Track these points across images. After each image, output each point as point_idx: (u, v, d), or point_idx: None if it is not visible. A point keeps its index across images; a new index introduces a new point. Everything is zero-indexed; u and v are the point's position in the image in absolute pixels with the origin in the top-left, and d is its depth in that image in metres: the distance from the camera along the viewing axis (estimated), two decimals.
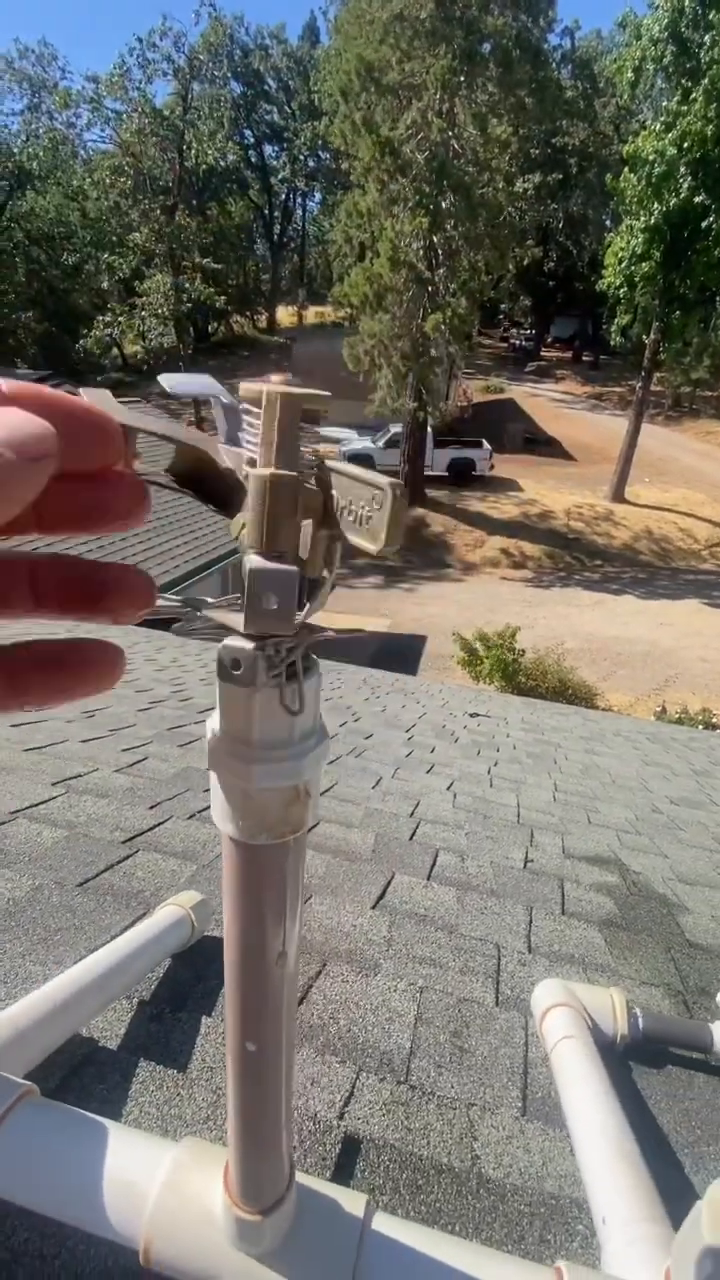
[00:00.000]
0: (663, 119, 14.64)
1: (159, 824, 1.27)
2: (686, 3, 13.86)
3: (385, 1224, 0.42)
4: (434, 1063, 0.75)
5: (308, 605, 0.24)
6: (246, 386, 0.23)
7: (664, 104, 15.08)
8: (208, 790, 1.00)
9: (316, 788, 0.27)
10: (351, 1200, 0.42)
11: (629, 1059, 0.83)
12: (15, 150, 27.07)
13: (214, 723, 0.25)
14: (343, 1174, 0.57)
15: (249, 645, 0.23)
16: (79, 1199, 0.42)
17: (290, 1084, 0.35)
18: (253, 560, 0.22)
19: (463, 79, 14.96)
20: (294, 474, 0.22)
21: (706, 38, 13.73)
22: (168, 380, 0.29)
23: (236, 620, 0.23)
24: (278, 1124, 0.36)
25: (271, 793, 0.25)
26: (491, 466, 19.35)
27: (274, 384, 0.23)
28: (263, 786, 0.24)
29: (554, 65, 20.70)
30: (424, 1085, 0.71)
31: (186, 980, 0.82)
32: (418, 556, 15.59)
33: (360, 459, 14.92)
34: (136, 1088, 0.61)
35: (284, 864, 0.27)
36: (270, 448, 0.23)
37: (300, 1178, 0.42)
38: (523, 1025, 0.85)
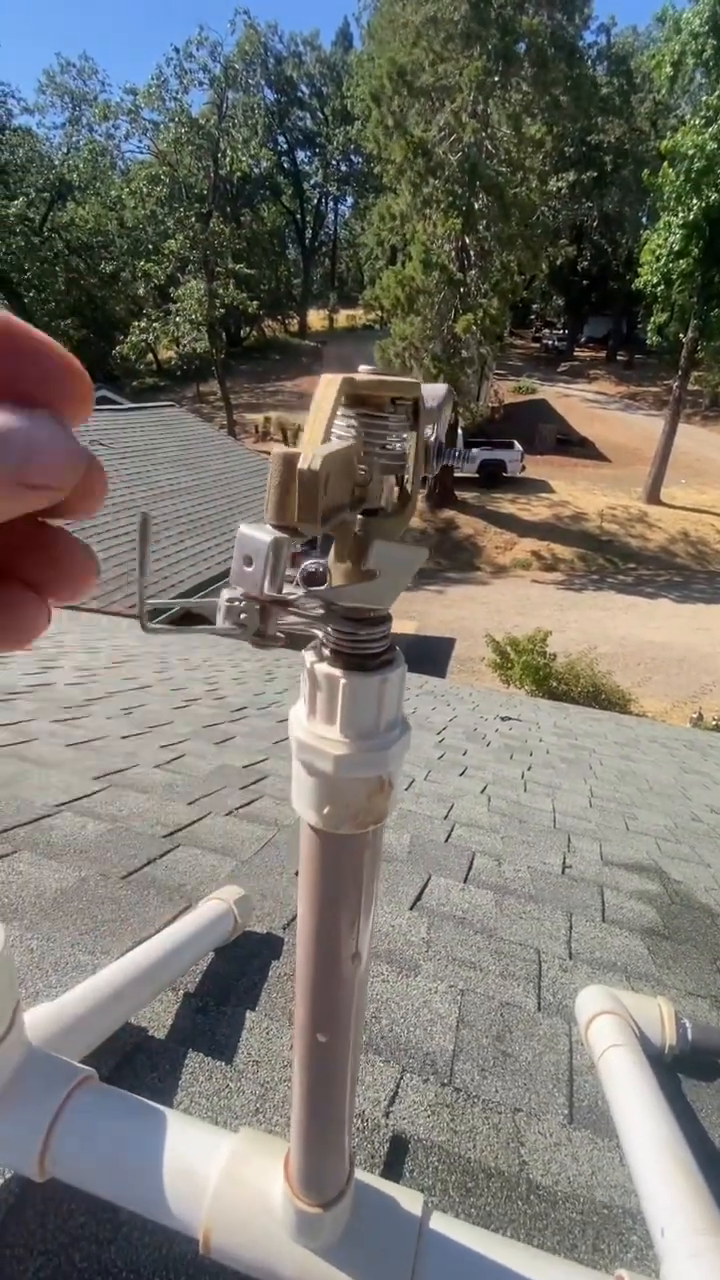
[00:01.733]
0: (703, 114, 14.32)
1: (198, 820, 1.29)
2: None
3: (443, 1224, 0.42)
4: (477, 1066, 0.75)
5: (290, 579, 0.23)
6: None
7: (704, 98, 14.76)
8: (244, 788, 1.01)
9: (399, 779, 0.27)
10: (409, 1199, 0.42)
11: (677, 1070, 0.81)
12: (57, 163, 27.86)
13: (299, 712, 0.25)
14: (392, 1172, 0.57)
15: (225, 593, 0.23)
16: (139, 1184, 0.43)
17: (356, 1079, 0.35)
18: (247, 525, 0.22)
19: (497, 79, 14.89)
20: (296, 451, 0.22)
21: None
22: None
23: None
24: (342, 1118, 0.36)
25: (357, 782, 0.25)
26: (523, 468, 19.16)
27: (358, 372, 0.24)
28: (349, 775, 0.24)
29: (589, 62, 20.46)
30: (468, 1088, 0.71)
31: (229, 974, 0.83)
32: (447, 558, 15.51)
33: None
34: (186, 1078, 0.62)
35: (363, 854, 0.27)
36: (310, 424, 0.23)
37: (358, 1174, 0.42)
38: (566, 1032, 0.84)
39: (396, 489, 0.26)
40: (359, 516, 0.24)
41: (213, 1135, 0.44)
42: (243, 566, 0.23)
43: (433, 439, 0.27)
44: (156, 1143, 0.44)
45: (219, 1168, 0.42)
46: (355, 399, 0.24)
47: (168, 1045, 0.66)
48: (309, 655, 0.25)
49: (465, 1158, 0.60)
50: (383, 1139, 0.60)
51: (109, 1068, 0.61)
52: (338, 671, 0.24)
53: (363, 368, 0.24)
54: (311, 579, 0.23)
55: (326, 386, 0.23)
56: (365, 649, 0.24)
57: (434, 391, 0.27)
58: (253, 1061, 0.67)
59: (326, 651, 0.25)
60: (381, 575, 0.23)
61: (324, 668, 0.24)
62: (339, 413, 0.24)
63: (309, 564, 0.23)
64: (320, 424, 0.22)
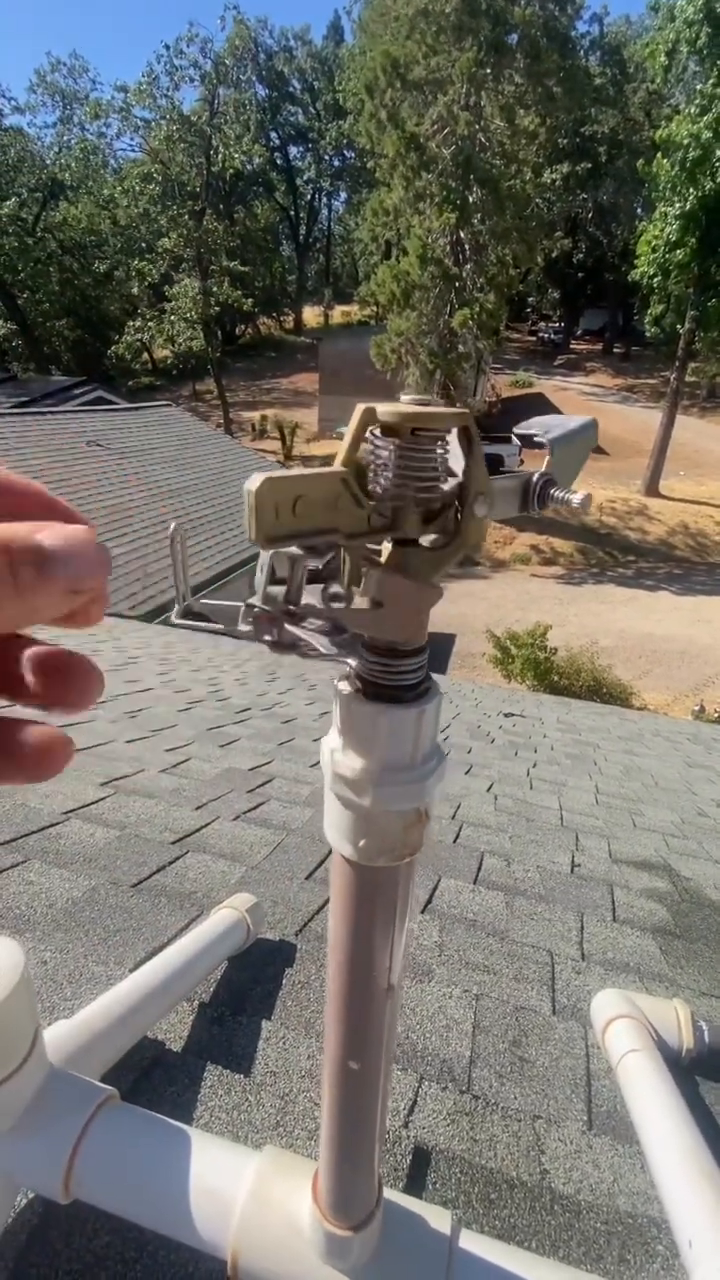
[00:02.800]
0: (698, 102, 14.25)
1: (206, 825, 1.29)
2: None
3: (472, 1242, 0.41)
4: (495, 1072, 0.74)
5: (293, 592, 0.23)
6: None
7: (698, 87, 14.68)
8: (250, 791, 1.01)
9: (432, 811, 0.26)
10: (438, 1217, 0.42)
11: (695, 1074, 0.81)
12: (48, 162, 27.71)
13: (333, 743, 0.25)
14: (415, 1185, 0.56)
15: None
16: (164, 1206, 0.42)
17: (386, 1102, 0.34)
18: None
19: (489, 71, 14.81)
20: (280, 476, 0.22)
21: None
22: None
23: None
24: (371, 1141, 0.35)
25: (393, 815, 0.24)
26: (521, 462, 19.04)
27: (401, 402, 0.23)
28: (386, 809, 0.24)
29: (582, 53, 20.34)
30: (487, 1095, 0.70)
31: (243, 983, 0.83)
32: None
33: None
34: (205, 1092, 0.62)
35: (397, 886, 0.27)
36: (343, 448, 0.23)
37: (385, 1192, 0.41)
38: (582, 1036, 0.84)
39: (453, 521, 0.25)
40: (370, 544, 0.24)
41: (237, 1155, 0.44)
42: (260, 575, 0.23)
43: (530, 476, 0.27)
44: (181, 1163, 0.43)
45: (246, 1188, 0.41)
46: (385, 427, 0.23)
47: (185, 1058, 0.66)
48: (344, 686, 0.25)
49: (487, 1168, 0.60)
50: (405, 1151, 0.59)
51: (128, 1083, 0.61)
52: (374, 704, 0.24)
53: (404, 396, 0.23)
54: (332, 598, 0.23)
55: (354, 414, 0.23)
56: (401, 680, 0.24)
57: (545, 424, 0.26)
58: (270, 1073, 0.67)
59: (361, 683, 0.24)
60: (390, 606, 0.23)
61: (359, 700, 0.24)
62: (376, 438, 0.24)
63: (333, 586, 0.23)
64: (341, 451, 0.23)
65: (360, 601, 0.23)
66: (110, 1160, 0.44)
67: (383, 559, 0.24)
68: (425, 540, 0.25)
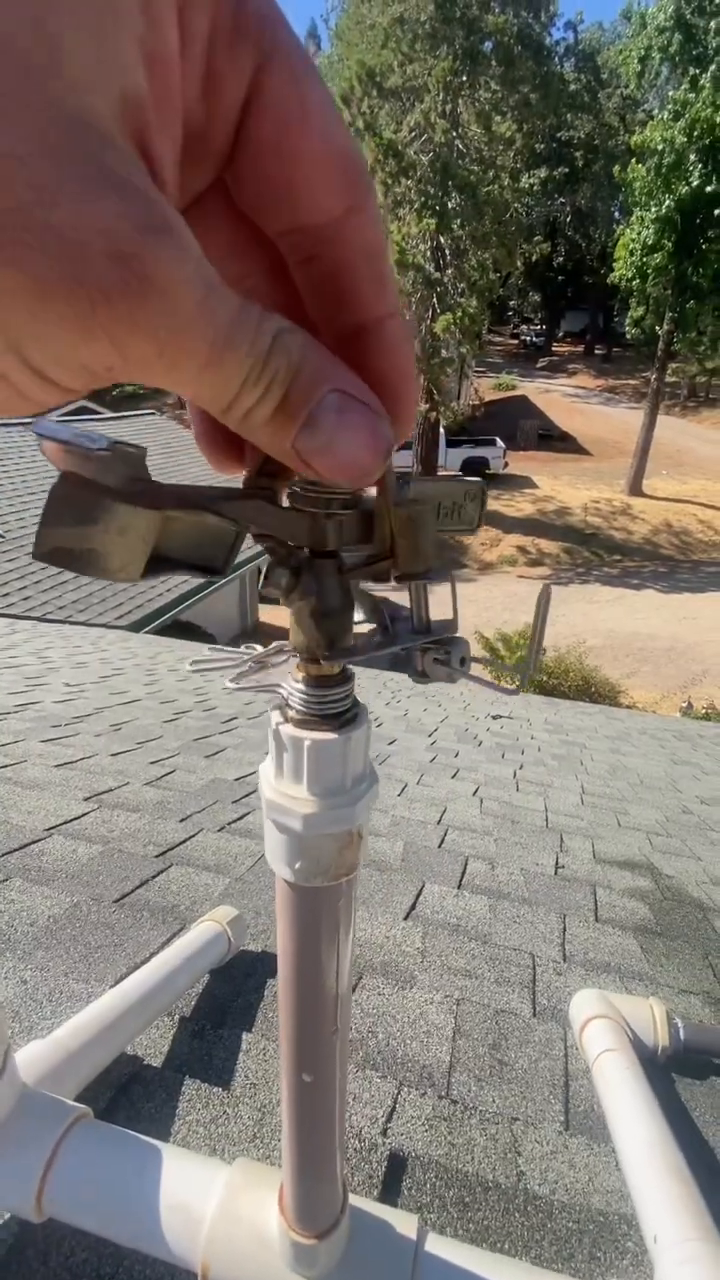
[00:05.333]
0: (671, 107, 14.48)
1: (190, 837, 1.29)
2: None
3: (438, 1245, 0.42)
4: (474, 1076, 0.75)
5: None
6: None
7: (671, 93, 14.93)
8: (236, 801, 1.01)
9: (367, 830, 0.27)
10: (404, 1222, 0.42)
11: (671, 1071, 0.82)
12: None
13: (268, 771, 0.26)
14: (390, 1192, 0.57)
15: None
16: (136, 1222, 0.43)
17: (344, 1110, 0.35)
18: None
19: (465, 79, 14.97)
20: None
21: (713, 24, 13.57)
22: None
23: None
24: (332, 1150, 0.36)
25: (327, 838, 0.25)
26: (506, 464, 19.25)
27: None
28: (318, 832, 0.25)
29: (557, 59, 20.60)
30: (465, 1100, 0.71)
31: (225, 995, 0.83)
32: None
33: None
34: (183, 1106, 0.62)
35: (338, 905, 0.28)
36: None
37: (352, 1199, 0.42)
38: (561, 1037, 0.85)
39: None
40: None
41: (207, 1168, 0.45)
42: None
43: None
44: (152, 1179, 0.44)
45: (215, 1202, 0.42)
46: None
47: (164, 1074, 0.66)
48: (274, 716, 0.26)
49: (463, 1172, 0.61)
50: (380, 1158, 0.60)
51: (106, 1100, 0.61)
52: (302, 732, 0.25)
53: None
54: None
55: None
56: (328, 709, 0.25)
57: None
58: (250, 1085, 0.67)
59: (291, 712, 0.25)
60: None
61: (289, 729, 0.25)
62: None
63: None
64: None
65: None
66: (82, 1178, 0.45)
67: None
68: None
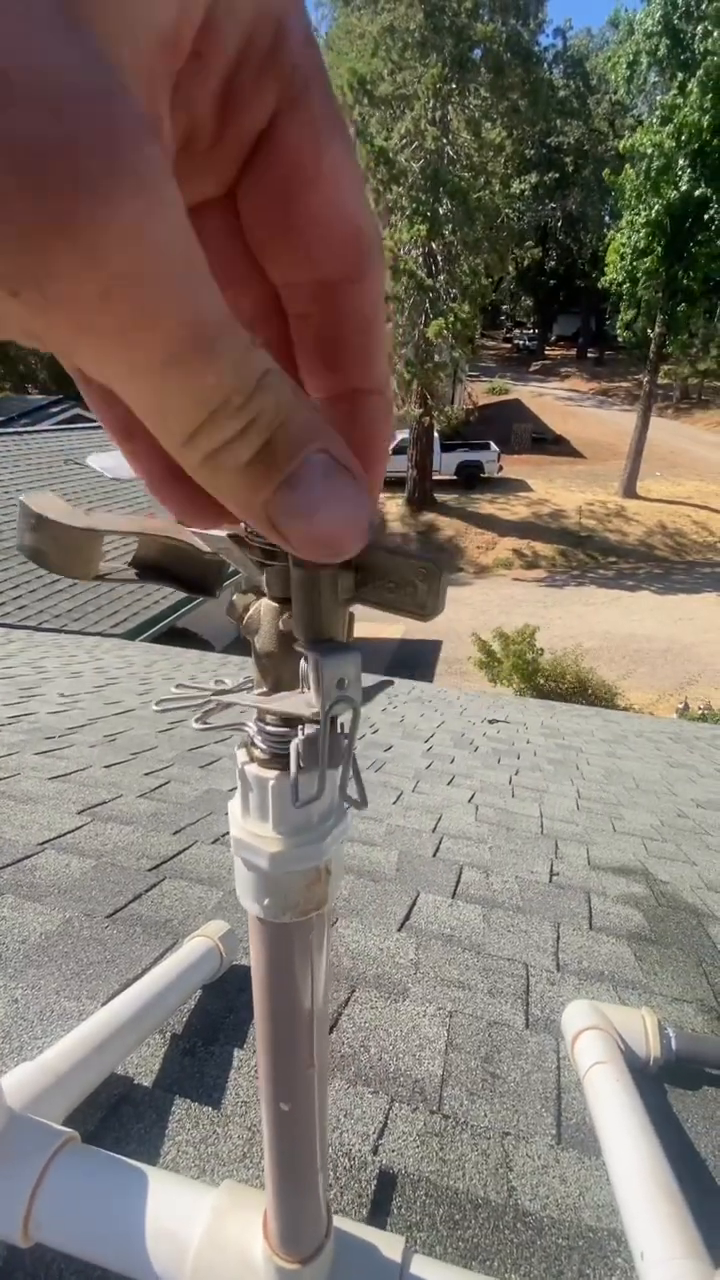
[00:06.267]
0: (659, 112, 14.60)
1: (184, 850, 1.29)
2: None
3: (423, 1267, 0.42)
4: (466, 1091, 0.75)
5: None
6: None
7: (659, 98, 15.05)
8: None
9: (338, 865, 0.28)
10: (389, 1244, 0.43)
11: (664, 1081, 0.82)
12: None
13: (236, 810, 0.26)
14: (380, 1211, 0.57)
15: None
16: (123, 1248, 0.43)
17: (325, 1136, 0.35)
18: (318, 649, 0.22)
19: (455, 86, 15.07)
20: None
21: (699, 29, 13.69)
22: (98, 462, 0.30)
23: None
24: (314, 1176, 0.36)
25: (294, 875, 0.26)
26: (500, 468, 19.31)
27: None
28: (285, 870, 0.25)
29: (546, 66, 20.76)
30: (457, 1115, 0.71)
31: (217, 1011, 0.83)
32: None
33: None
34: (173, 1126, 0.62)
35: (308, 938, 0.28)
36: None
37: (338, 1221, 0.42)
38: (554, 1049, 0.85)
39: None
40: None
41: (194, 1193, 0.45)
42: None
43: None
44: (138, 1205, 0.44)
45: (201, 1228, 0.42)
46: None
47: (154, 1093, 0.66)
48: (240, 755, 0.26)
49: (453, 1189, 0.61)
50: (370, 1177, 0.60)
51: (95, 1121, 0.61)
52: (267, 772, 0.25)
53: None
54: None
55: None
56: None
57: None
58: (241, 1103, 0.67)
59: (256, 751, 0.26)
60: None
61: (254, 769, 0.25)
62: None
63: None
64: None
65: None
66: (68, 1203, 0.45)
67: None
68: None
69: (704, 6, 13.56)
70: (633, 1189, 0.54)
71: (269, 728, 0.25)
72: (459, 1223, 0.57)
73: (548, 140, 26.74)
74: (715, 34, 13.18)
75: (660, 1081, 0.82)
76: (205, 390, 0.14)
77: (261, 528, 0.17)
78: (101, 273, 0.11)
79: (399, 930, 1.11)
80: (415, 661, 10.09)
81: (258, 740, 0.25)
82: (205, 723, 0.25)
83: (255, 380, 0.15)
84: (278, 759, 0.25)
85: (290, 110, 0.16)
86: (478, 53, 15.53)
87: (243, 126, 0.16)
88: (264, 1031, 0.30)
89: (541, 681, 8.50)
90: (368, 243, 0.17)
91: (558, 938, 1.17)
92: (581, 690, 8.46)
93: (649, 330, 17.16)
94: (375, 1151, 0.64)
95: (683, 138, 14.11)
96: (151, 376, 0.13)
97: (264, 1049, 0.31)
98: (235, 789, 0.27)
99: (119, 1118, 0.62)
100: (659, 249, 15.36)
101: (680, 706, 8.67)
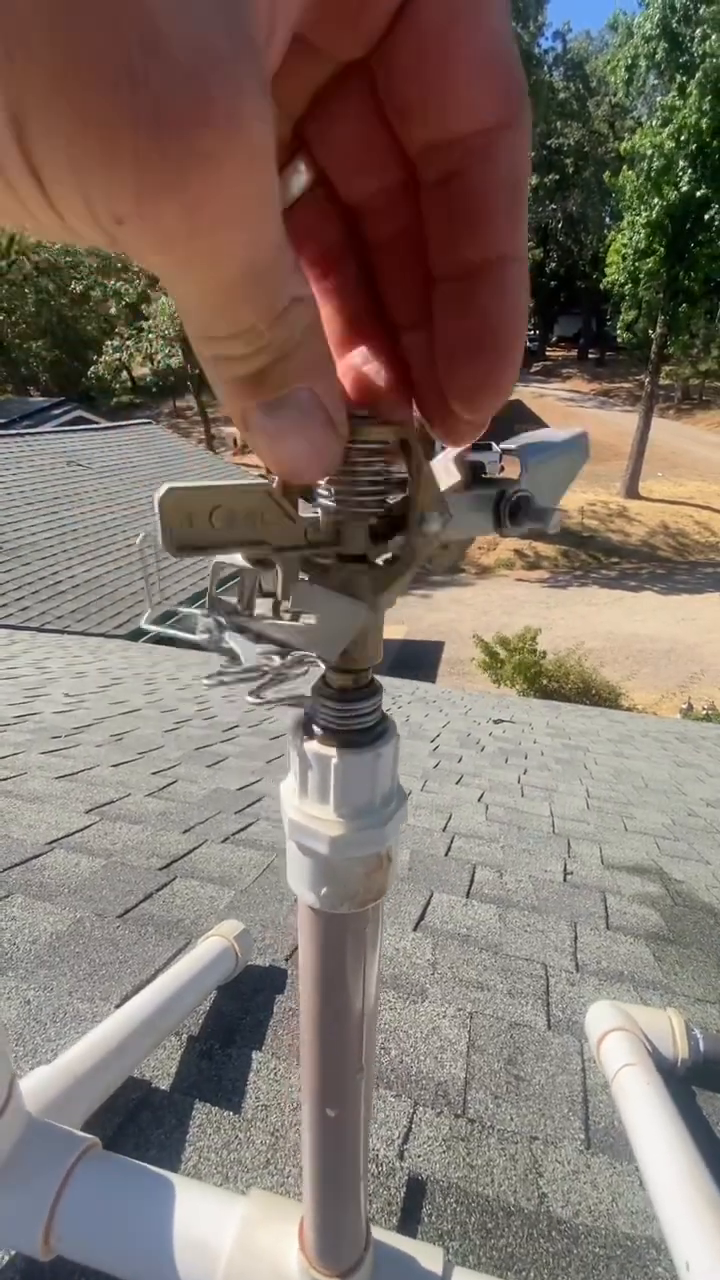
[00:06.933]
0: (659, 114, 14.62)
1: (194, 849, 1.27)
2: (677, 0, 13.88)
3: (466, 1279, 0.40)
4: (491, 1094, 0.74)
5: None
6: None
7: (659, 100, 15.07)
8: (239, 811, 0.99)
9: (397, 853, 0.26)
10: (429, 1255, 0.41)
11: (691, 1083, 0.80)
12: None
13: (291, 790, 0.24)
14: (410, 1219, 0.55)
15: None
16: (149, 1260, 0.41)
17: (367, 1144, 0.34)
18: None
19: None
20: (193, 486, 0.22)
21: (698, 31, 13.71)
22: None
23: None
24: (356, 1185, 0.35)
25: (355, 861, 0.24)
26: (501, 469, 19.27)
27: None
28: (345, 856, 0.23)
29: (546, 69, 20.79)
30: (483, 1118, 0.70)
31: (233, 1013, 0.81)
32: (430, 561, 15.55)
33: None
34: (194, 1131, 0.60)
35: (364, 932, 0.26)
36: None
37: (376, 1233, 0.40)
38: (578, 1050, 0.83)
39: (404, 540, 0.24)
40: (312, 558, 0.23)
41: (222, 1202, 0.43)
42: None
43: (501, 492, 0.26)
44: (165, 1214, 0.42)
45: (231, 1238, 0.40)
46: None
47: (173, 1097, 0.64)
48: (298, 731, 0.24)
49: (484, 1195, 0.59)
50: (399, 1183, 0.58)
51: (114, 1127, 0.59)
52: (329, 750, 0.23)
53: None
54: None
55: None
56: (356, 724, 0.23)
57: (529, 438, 0.26)
58: (262, 1106, 0.66)
59: (316, 728, 0.24)
60: (322, 622, 0.22)
61: (314, 745, 0.23)
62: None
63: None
64: None
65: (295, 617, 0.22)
66: (91, 1214, 0.43)
67: (302, 570, 0.23)
68: (380, 558, 0.24)
69: (701, 10, 13.58)
70: (672, 1196, 0.52)
71: (332, 702, 0.23)
72: (492, 1231, 0.55)
73: (548, 142, 26.78)
74: (714, 37, 13.20)
75: (688, 1084, 0.80)
76: (236, 317, 0.15)
77: (237, 424, 0.18)
78: (194, 217, 0.13)
79: (414, 930, 1.09)
80: (418, 662, 10.07)
81: (318, 715, 0.23)
82: (260, 696, 0.23)
83: (279, 312, 0.16)
84: (340, 734, 0.23)
85: None
86: None
87: None
88: (312, 1032, 0.28)
89: (545, 682, 8.48)
90: (522, 83, 0.17)
91: (575, 937, 1.15)
92: (585, 691, 8.43)
93: (650, 331, 17.16)
94: (401, 1156, 0.62)
95: (682, 139, 14.12)
96: (198, 291, 0.15)
97: (311, 1051, 0.29)
98: (288, 770, 0.25)
99: (138, 1123, 0.60)
100: (660, 249, 15.36)
101: (684, 706, 8.64)
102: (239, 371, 0.16)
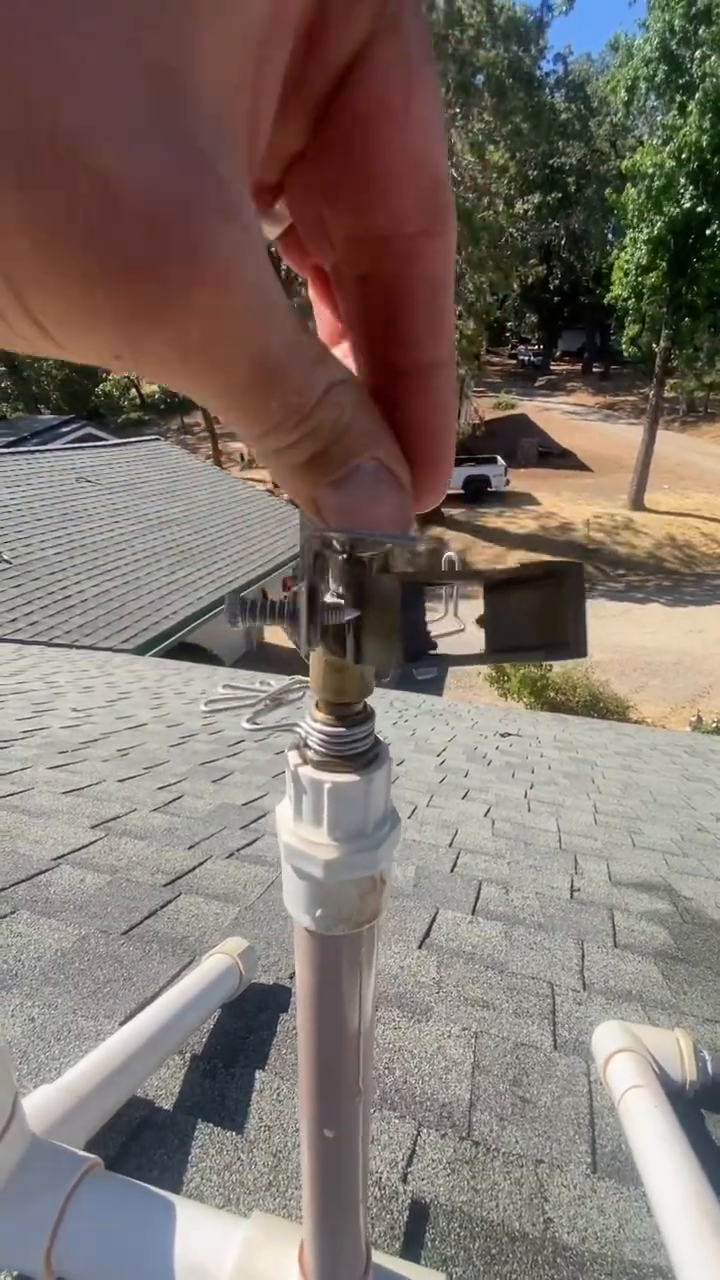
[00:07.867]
0: (660, 133, 14.81)
1: (199, 865, 1.27)
2: (676, 21, 14.11)
3: None
4: (495, 1115, 0.73)
5: None
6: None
7: (659, 119, 15.28)
8: (244, 827, 1.00)
9: (390, 875, 0.26)
10: None
11: (700, 1106, 0.79)
12: None
13: (286, 814, 0.25)
14: (414, 1244, 0.55)
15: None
16: None
17: (367, 1166, 0.34)
18: None
19: (458, 110, 15.38)
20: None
21: (697, 53, 13.93)
22: None
23: None
24: (355, 1207, 0.34)
25: (349, 884, 0.24)
26: (507, 482, 19.38)
27: None
28: (339, 879, 0.24)
29: (548, 90, 21.16)
30: (487, 1141, 0.69)
31: (237, 1031, 0.81)
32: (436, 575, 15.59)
33: None
34: (196, 1152, 0.60)
35: (359, 953, 0.27)
36: None
37: (377, 1257, 0.40)
38: (584, 1071, 0.82)
39: None
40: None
41: (224, 1225, 0.43)
42: None
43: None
44: (166, 1237, 0.42)
45: (232, 1262, 0.40)
46: None
47: (176, 1117, 0.64)
48: (293, 757, 0.25)
49: (488, 1220, 0.58)
50: (401, 1207, 0.58)
51: (116, 1146, 0.59)
52: (322, 775, 0.24)
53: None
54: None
55: None
56: (349, 750, 0.24)
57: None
58: (265, 1127, 0.65)
59: (310, 754, 0.24)
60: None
61: (308, 771, 0.24)
62: None
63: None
64: None
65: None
66: (93, 1236, 0.43)
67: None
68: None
69: (700, 32, 13.80)
70: (679, 1223, 0.51)
71: (324, 727, 0.24)
72: (496, 1257, 0.54)
73: (550, 161, 27.16)
74: (713, 58, 13.40)
75: (697, 1106, 0.79)
76: (267, 412, 0.15)
77: (307, 507, 0.18)
78: (182, 344, 0.13)
79: (419, 948, 1.08)
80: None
81: (312, 740, 0.24)
82: (255, 723, 0.23)
83: (317, 397, 0.16)
84: (332, 760, 0.24)
85: (386, 33, 0.15)
86: (480, 79, 15.86)
87: (331, 57, 0.15)
88: (309, 1053, 0.29)
89: (552, 695, 8.44)
90: (447, 196, 0.17)
91: (582, 955, 1.14)
92: (593, 704, 8.38)
93: (654, 345, 17.26)
94: (405, 1180, 0.61)
95: (683, 156, 14.29)
96: (222, 400, 0.15)
97: (308, 1071, 0.29)
98: (283, 793, 0.25)
99: (140, 1143, 0.60)
100: (663, 265, 15.50)
101: (694, 719, 8.57)
102: (295, 459, 0.17)
